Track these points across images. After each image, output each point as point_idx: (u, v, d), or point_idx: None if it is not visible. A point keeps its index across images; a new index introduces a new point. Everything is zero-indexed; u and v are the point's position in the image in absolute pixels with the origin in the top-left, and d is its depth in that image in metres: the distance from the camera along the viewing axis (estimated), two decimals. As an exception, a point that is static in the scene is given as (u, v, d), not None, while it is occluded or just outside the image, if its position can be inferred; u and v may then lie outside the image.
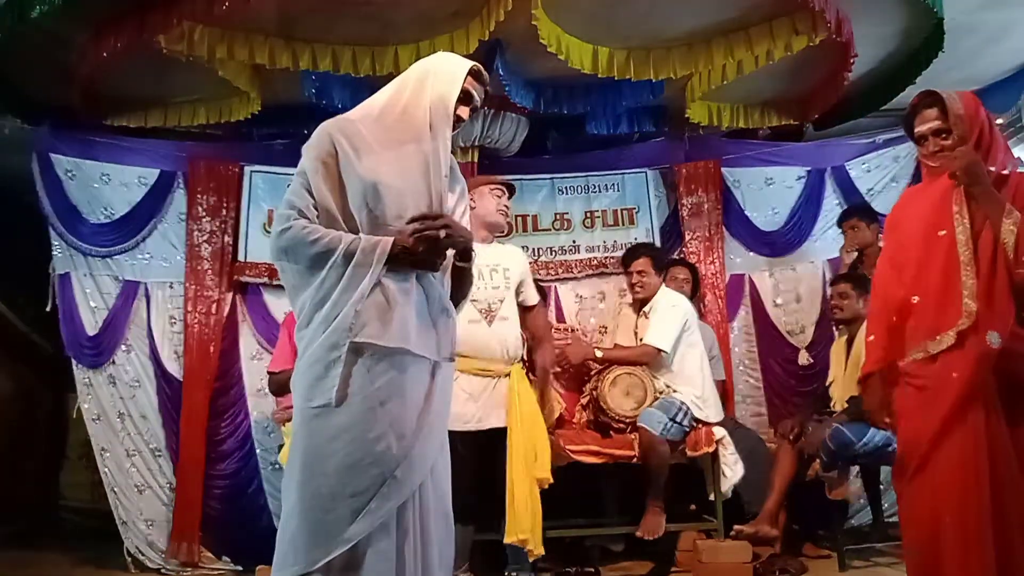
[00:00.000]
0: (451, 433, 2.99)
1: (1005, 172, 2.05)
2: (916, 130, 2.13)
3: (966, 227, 2.01)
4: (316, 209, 1.81)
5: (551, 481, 3.10)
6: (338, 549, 1.68)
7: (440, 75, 1.92)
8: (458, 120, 1.93)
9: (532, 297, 3.27)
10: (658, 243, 4.36)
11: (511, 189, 3.31)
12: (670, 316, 3.57)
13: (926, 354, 2.00)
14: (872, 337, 2.16)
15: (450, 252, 1.88)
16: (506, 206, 3.23)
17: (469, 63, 1.96)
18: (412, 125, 1.88)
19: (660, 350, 3.51)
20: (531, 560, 3.07)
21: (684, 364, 3.58)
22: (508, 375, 3.09)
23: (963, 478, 1.91)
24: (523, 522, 2.97)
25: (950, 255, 2.00)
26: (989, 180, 1.99)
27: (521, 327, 3.21)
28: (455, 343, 1.92)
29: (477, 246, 3.11)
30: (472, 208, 3.20)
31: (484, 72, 1.99)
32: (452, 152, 2.36)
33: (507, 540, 2.97)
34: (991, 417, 1.91)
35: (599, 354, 3.61)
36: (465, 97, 1.94)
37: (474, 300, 3.06)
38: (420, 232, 1.77)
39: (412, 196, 1.84)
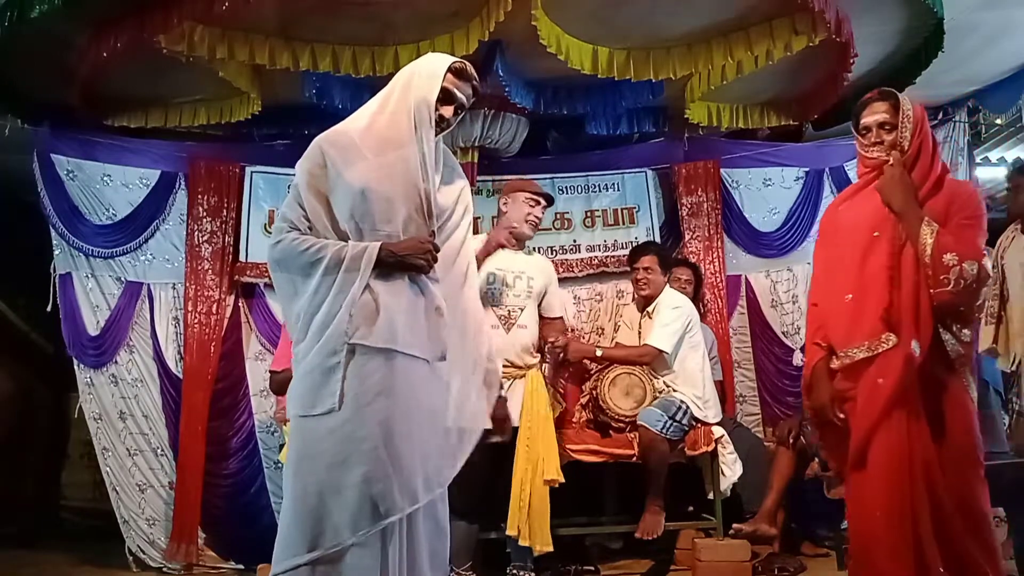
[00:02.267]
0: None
1: (935, 180, 2.11)
2: (862, 121, 2.17)
3: (896, 237, 2.09)
4: (308, 220, 1.87)
5: (561, 480, 3.14)
6: (326, 546, 1.71)
7: (421, 77, 1.93)
8: (441, 120, 1.93)
9: (552, 310, 3.31)
10: (655, 241, 4.37)
11: (549, 200, 3.32)
12: (673, 317, 3.58)
13: (852, 358, 2.07)
14: (810, 341, 2.23)
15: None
16: (537, 217, 3.25)
17: (449, 61, 1.96)
18: (399, 130, 1.90)
19: (661, 351, 3.53)
20: (538, 555, 3.11)
21: (685, 365, 3.59)
22: (523, 377, 3.11)
23: (890, 478, 2.01)
24: (522, 516, 3.04)
25: (882, 258, 2.07)
26: (909, 195, 2.06)
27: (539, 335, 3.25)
28: (447, 341, 1.94)
29: (503, 251, 3.16)
30: (504, 212, 3.23)
31: (468, 69, 1.98)
32: (452, 152, 2.36)
33: (508, 532, 3.04)
34: (913, 420, 2.01)
35: (599, 352, 3.62)
36: (446, 96, 1.93)
37: (495, 306, 3.08)
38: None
39: (402, 200, 1.87)
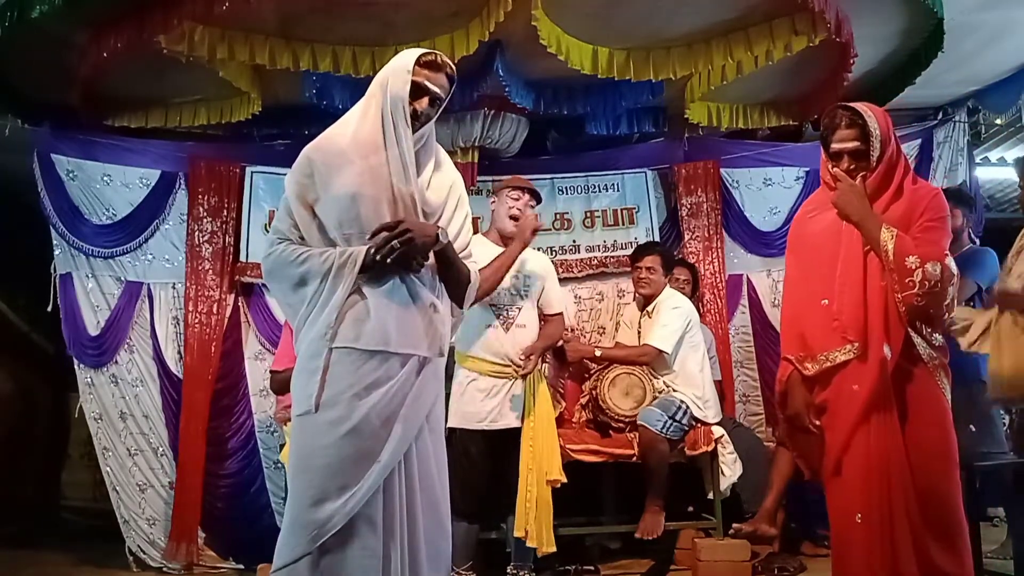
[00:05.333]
0: (464, 431, 3.08)
1: (896, 186, 2.13)
2: (833, 146, 2.17)
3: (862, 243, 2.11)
4: (299, 230, 1.89)
5: (564, 481, 3.14)
6: (323, 537, 1.73)
7: (393, 75, 1.93)
8: (417, 114, 1.91)
9: (551, 306, 3.29)
10: (657, 241, 4.36)
11: (533, 193, 3.29)
12: (672, 318, 3.58)
13: (833, 361, 2.10)
14: (782, 355, 2.25)
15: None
16: (519, 209, 3.20)
17: (417, 53, 1.94)
18: (378, 131, 1.90)
19: (660, 351, 3.53)
20: (541, 556, 3.12)
21: (685, 365, 3.60)
22: (524, 377, 3.12)
23: (867, 483, 2.04)
24: (529, 518, 3.04)
25: (850, 264, 2.10)
26: (864, 204, 2.09)
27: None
28: (445, 338, 1.95)
29: (495, 249, 3.15)
30: (492, 212, 3.26)
31: (440, 58, 1.95)
32: (452, 152, 2.33)
33: (516, 534, 3.05)
34: (889, 425, 2.03)
35: (598, 353, 3.63)
36: (418, 90, 1.91)
37: (492, 305, 3.09)
38: (379, 249, 1.80)
39: (388, 203, 1.87)
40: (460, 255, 1.99)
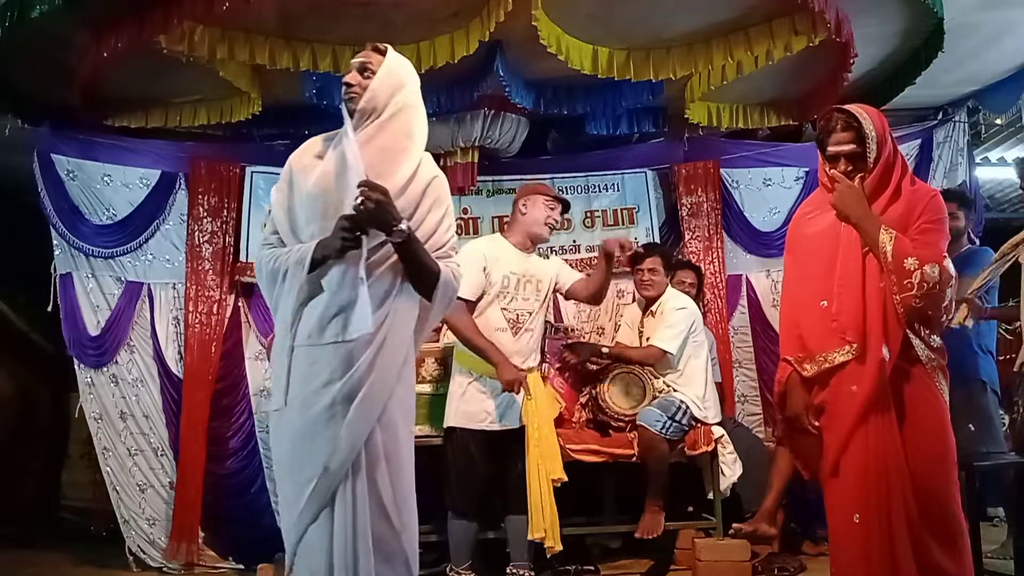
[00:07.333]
0: (464, 430, 3.09)
1: (894, 187, 2.14)
2: (829, 149, 2.18)
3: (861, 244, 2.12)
4: (278, 234, 1.99)
5: (565, 479, 3.15)
6: (299, 532, 1.81)
7: None
8: (347, 88, 1.95)
9: (570, 278, 3.36)
10: (657, 243, 4.37)
11: (565, 206, 3.35)
12: (678, 319, 3.59)
13: (832, 362, 2.10)
14: (781, 356, 2.25)
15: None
16: (556, 220, 3.27)
17: None
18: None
19: (666, 352, 3.53)
20: (549, 556, 3.13)
21: (689, 365, 3.61)
22: (525, 379, 3.12)
23: (866, 484, 2.04)
24: (543, 520, 3.05)
25: (849, 266, 2.10)
26: (863, 205, 2.09)
27: (573, 296, 3.38)
28: (393, 316, 1.92)
29: (517, 254, 3.14)
30: (522, 214, 3.27)
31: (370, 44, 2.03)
32: (452, 152, 2.31)
33: (530, 537, 3.06)
34: (887, 426, 2.04)
35: (605, 350, 3.63)
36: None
37: (504, 309, 3.11)
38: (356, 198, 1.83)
39: (346, 199, 1.88)
40: (436, 253, 1.98)
